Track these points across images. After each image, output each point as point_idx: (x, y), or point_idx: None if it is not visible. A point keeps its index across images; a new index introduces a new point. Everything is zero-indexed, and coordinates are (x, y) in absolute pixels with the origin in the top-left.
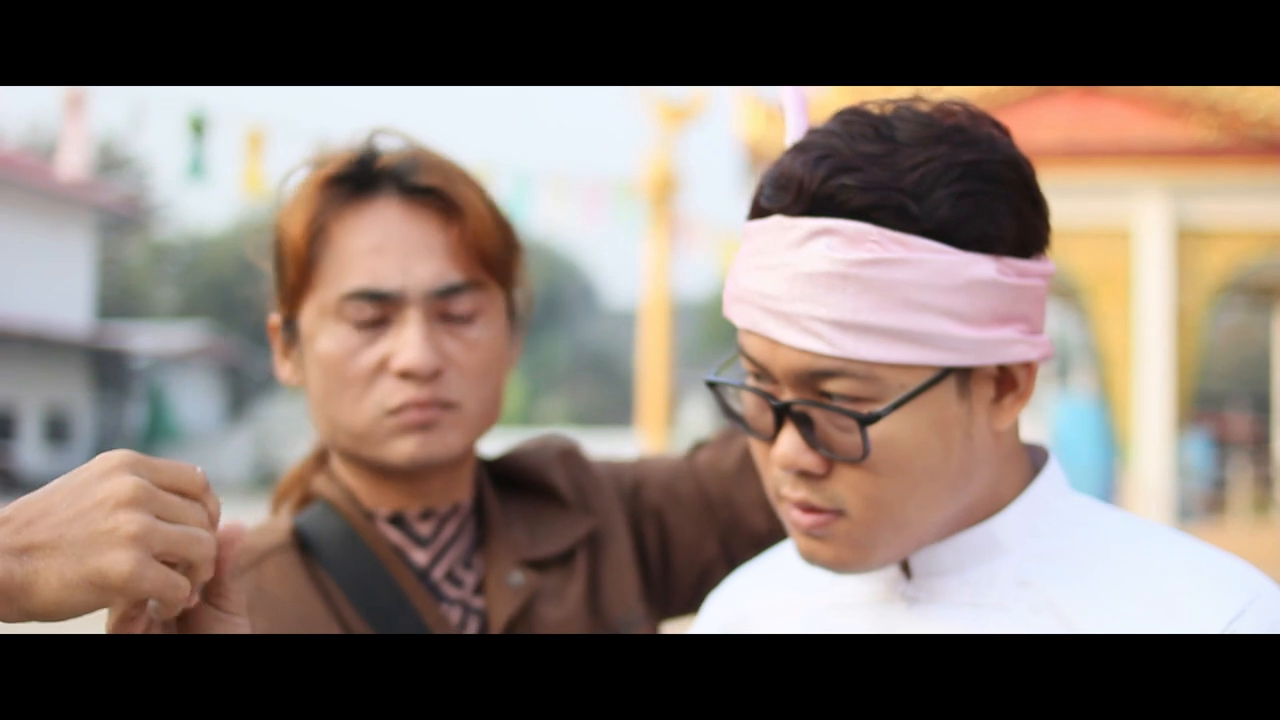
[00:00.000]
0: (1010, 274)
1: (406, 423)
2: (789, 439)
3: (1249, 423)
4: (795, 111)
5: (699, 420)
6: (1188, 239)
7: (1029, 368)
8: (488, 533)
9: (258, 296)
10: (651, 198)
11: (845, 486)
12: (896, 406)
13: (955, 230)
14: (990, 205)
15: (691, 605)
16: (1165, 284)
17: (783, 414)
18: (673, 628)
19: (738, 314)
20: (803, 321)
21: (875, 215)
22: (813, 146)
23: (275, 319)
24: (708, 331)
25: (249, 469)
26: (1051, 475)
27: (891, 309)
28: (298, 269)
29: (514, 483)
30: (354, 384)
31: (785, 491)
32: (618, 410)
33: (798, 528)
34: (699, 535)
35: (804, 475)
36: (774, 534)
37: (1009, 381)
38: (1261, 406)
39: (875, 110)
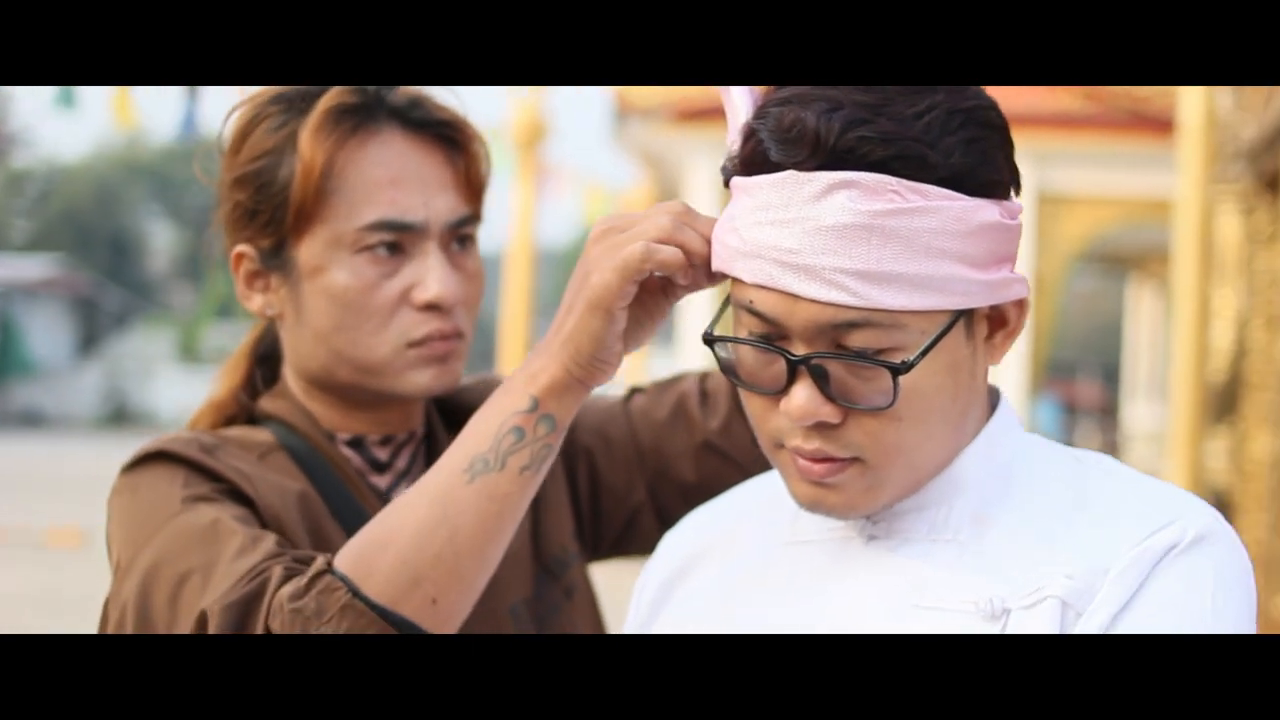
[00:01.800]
0: (1008, 216)
1: (428, 354)
2: (805, 392)
3: (1098, 390)
4: (745, 109)
5: None
6: (1048, 205)
7: (1020, 304)
8: None
9: (115, 229)
10: (519, 144)
11: (863, 434)
12: (925, 353)
13: (966, 177)
14: (991, 151)
15: (618, 548)
16: (1025, 249)
17: (796, 367)
18: (600, 570)
19: (746, 270)
20: (826, 274)
21: (894, 166)
22: (813, 98)
23: (245, 249)
24: (568, 279)
25: (100, 403)
26: (1005, 413)
27: (913, 257)
28: (308, 200)
29: (456, 419)
30: (374, 316)
31: (795, 443)
32: (477, 357)
33: (806, 477)
34: (628, 480)
35: (818, 426)
36: (701, 484)
37: (999, 319)
38: (1111, 375)
39: None
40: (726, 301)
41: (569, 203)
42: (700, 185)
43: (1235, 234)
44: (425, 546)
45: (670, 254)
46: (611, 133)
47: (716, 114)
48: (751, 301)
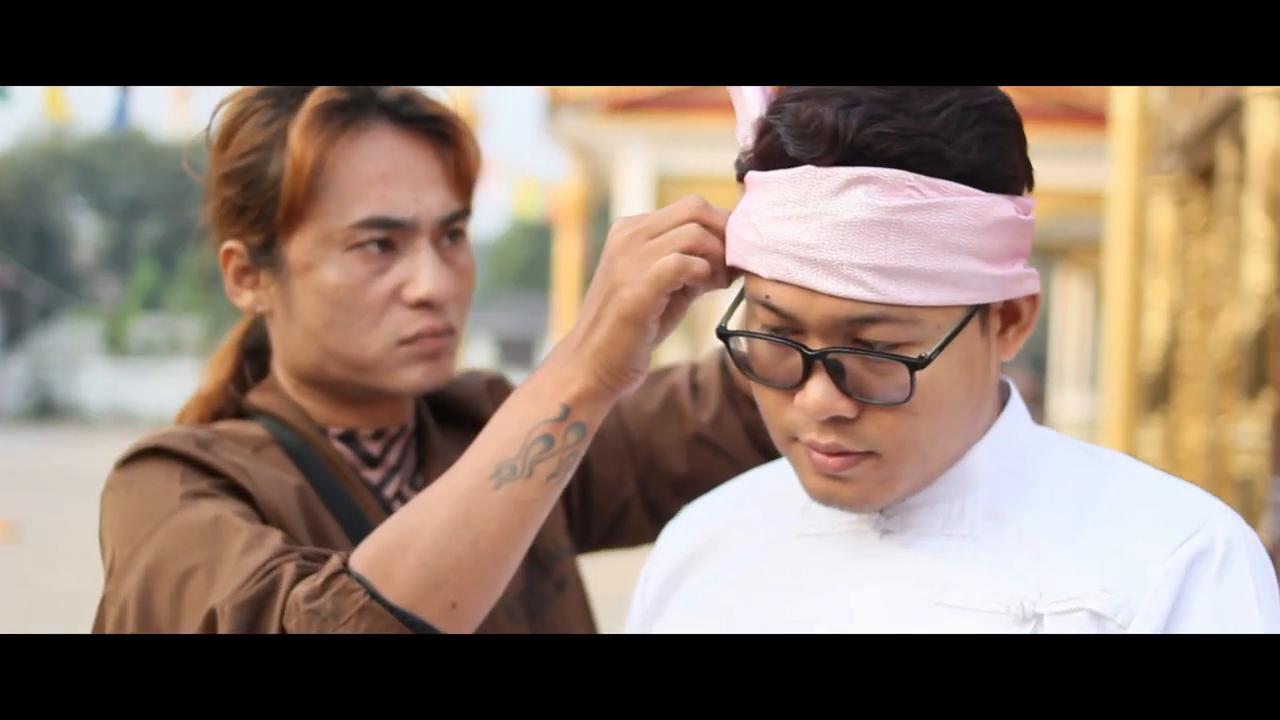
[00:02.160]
0: (1022, 211)
1: (420, 351)
2: (821, 386)
3: (1027, 380)
4: (757, 104)
5: (483, 360)
6: None
7: (1033, 299)
8: (429, 457)
9: (40, 221)
10: None
11: (878, 429)
12: (942, 348)
13: (983, 173)
14: (1007, 147)
15: (607, 541)
16: None
17: (812, 362)
18: (588, 562)
19: (763, 264)
20: (844, 269)
21: (912, 162)
22: (830, 94)
23: (234, 245)
24: (496, 272)
25: (25, 396)
26: (1016, 407)
27: (930, 253)
28: (298, 197)
29: (446, 413)
30: (366, 314)
31: (810, 437)
32: None
33: (820, 470)
34: (618, 473)
35: (833, 420)
36: (692, 476)
37: (1011, 314)
38: (1038, 365)
39: None
40: (740, 295)
41: (500, 194)
42: (632, 177)
43: (1168, 225)
44: (447, 551)
45: (702, 267)
46: (543, 124)
47: (648, 106)
48: (768, 296)
